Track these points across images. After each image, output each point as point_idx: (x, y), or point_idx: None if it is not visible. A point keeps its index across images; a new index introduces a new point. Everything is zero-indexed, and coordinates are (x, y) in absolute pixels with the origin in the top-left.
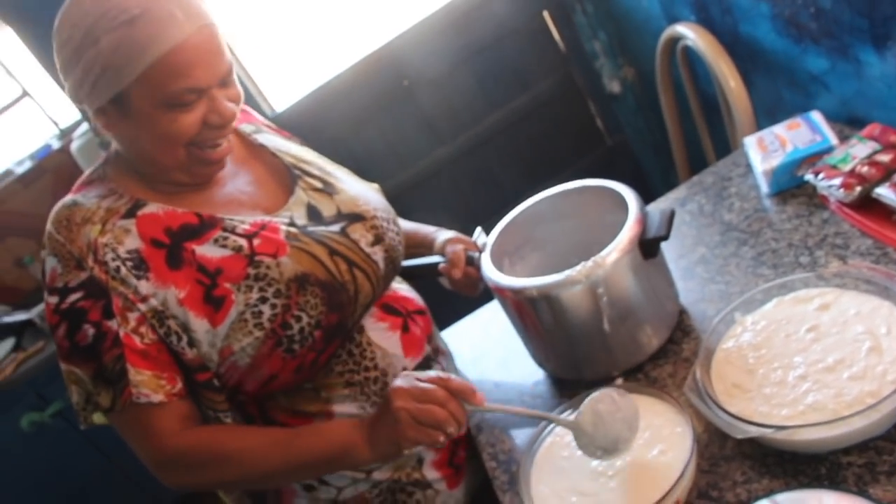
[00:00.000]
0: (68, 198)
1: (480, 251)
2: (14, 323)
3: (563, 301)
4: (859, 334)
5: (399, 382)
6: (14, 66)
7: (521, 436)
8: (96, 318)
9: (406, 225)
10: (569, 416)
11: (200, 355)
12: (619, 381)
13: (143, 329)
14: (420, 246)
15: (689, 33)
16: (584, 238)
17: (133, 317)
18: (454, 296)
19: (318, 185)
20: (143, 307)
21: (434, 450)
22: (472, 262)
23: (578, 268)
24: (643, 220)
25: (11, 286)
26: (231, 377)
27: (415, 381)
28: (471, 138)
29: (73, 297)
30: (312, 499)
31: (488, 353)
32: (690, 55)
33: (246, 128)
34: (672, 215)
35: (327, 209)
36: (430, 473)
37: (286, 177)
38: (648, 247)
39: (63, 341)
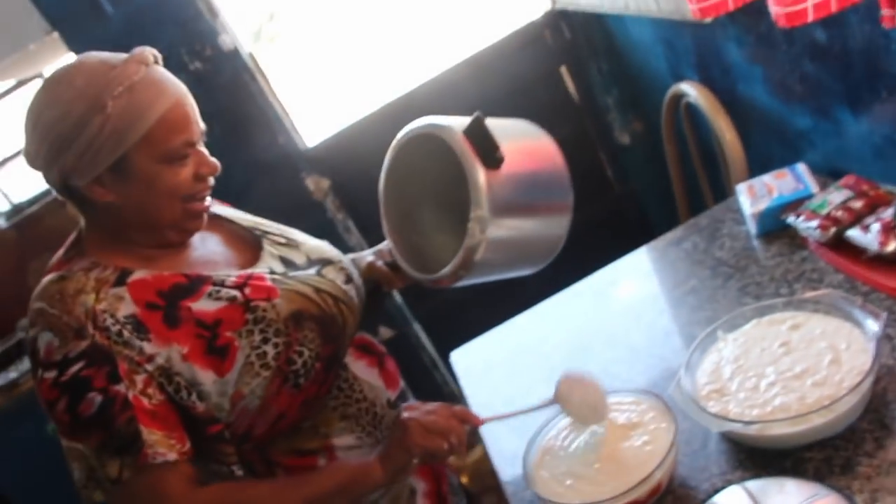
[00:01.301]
0: (52, 274)
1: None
2: None
3: (478, 267)
4: (823, 349)
5: (407, 406)
6: None
7: (525, 436)
8: (102, 384)
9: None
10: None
11: (210, 408)
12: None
13: (150, 390)
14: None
15: (692, 91)
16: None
17: (140, 379)
18: (465, 317)
19: (282, 240)
20: (149, 367)
21: (424, 480)
22: (392, 268)
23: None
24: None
25: None
26: (242, 423)
27: (421, 404)
28: None
29: (75, 367)
30: None
31: (497, 367)
32: (692, 111)
33: None
34: (476, 120)
35: (298, 258)
36: None
37: (250, 237)
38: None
39: (63, 416)
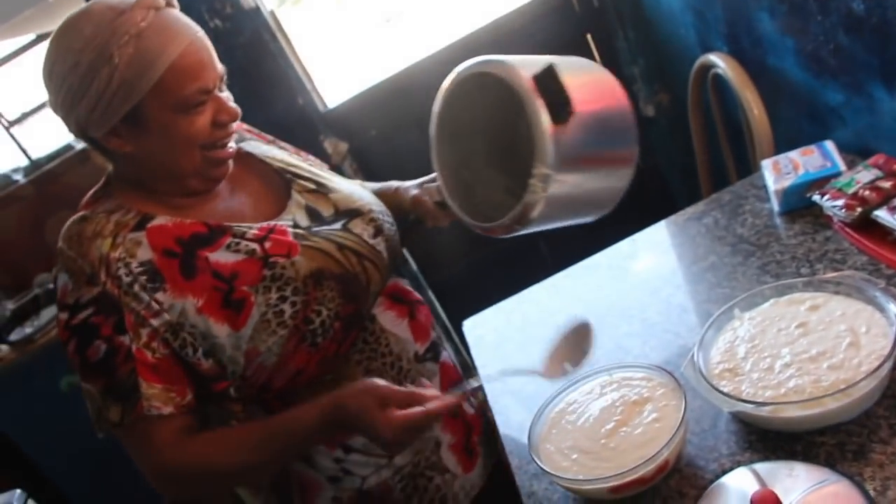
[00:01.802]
0: (77, 214)
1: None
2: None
3: (534, 222)
4: (842, 331)
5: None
6: None
7: (533, 407)
8: (108, 332)
9: (373, 186)
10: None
11: (219, 364)
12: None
13: (154, 344)
14: (392, 207)
15: (721, 63)
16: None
17: (145, 332)
18: (479, 287)
19: (311, 186)
20: (155, 322)
21: (450, 433)
22: (440, 205)
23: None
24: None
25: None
26: (259, 377)
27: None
28: None
29: (85, 313)
30: (338, 490)
31: (509, 338)
32: (720, 83)
33: None
34: (548, 69)
35: (325, 209)
36: (447, 456)
37: (279, 182)
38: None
39: (74, 357)
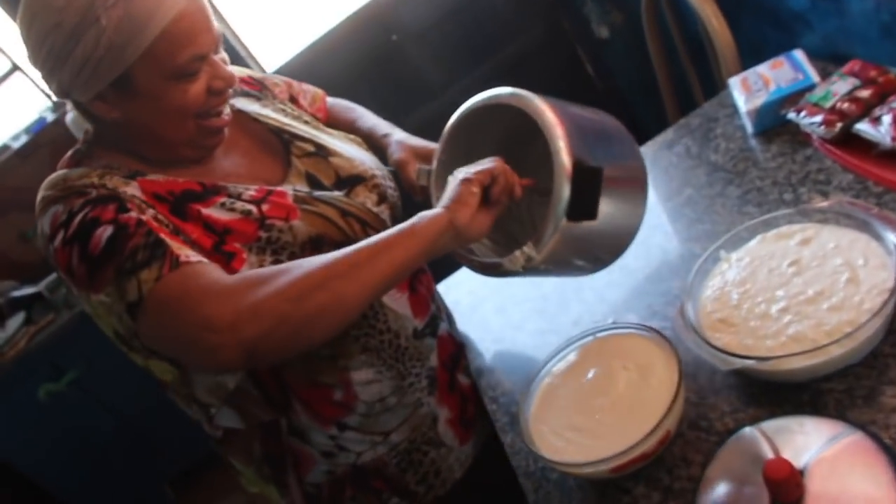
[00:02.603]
0: (57, 172)
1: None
2: (23, 297)
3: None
4: (838, 266)
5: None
6: (3, 41)
7: (519, 378)
8: (110, 216)
9: (363, 125)
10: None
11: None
12: (610, 320)
13: (161, 219)
14: (375, 151)
15: None
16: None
17: (150, 212)
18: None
19: (311, 148)
20: (155, 211)
21: (447, 407)
22: (422, 177)
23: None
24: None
25: (17, 261)
26: None
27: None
28: (461, 91)
29: (80, 216)
30: (332, 464)
31: (486, 300)
32: None
33: None
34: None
35: (326, 176)
36: (444, 431)
37: (277, 144)
38: (577, 214)
39: (80, 268)
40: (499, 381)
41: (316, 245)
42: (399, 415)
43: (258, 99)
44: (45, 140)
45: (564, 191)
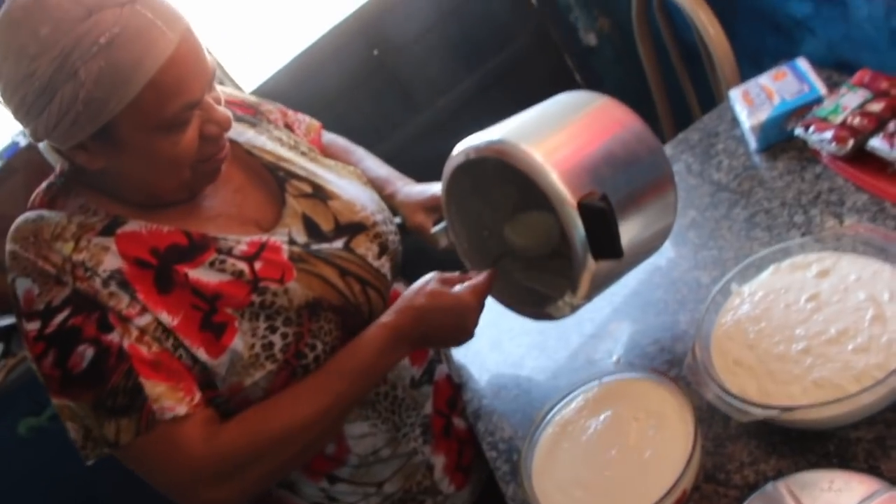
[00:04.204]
0: (31, 213)
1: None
2: (0, 329)
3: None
4: (861, 302)
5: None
6: None
7: (519, 422)
8: (92, 333)
9: (370, 175)
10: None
11: (208, 372)
12: (615, 357)
13: (146, 339)
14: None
15: None
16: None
17: (133, 328)
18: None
19: (308, 189)
20: (141, 322)
21: (443, 454)
22: (442, 239)
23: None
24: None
25: None
26: (242, 406)
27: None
28: (448, 104)
29: (60, 316)
30: None
31: (481, 334)
32: (667, 2)
33: None
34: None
35: (324, 221)
36: (440, 478)
37: (270, 181)
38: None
39: (53, 371)
40: (497, 426)
41: (313, 310)
42: (392, 465)
43: (252, 125)
44: (18, 164)
45: (578, 235)
